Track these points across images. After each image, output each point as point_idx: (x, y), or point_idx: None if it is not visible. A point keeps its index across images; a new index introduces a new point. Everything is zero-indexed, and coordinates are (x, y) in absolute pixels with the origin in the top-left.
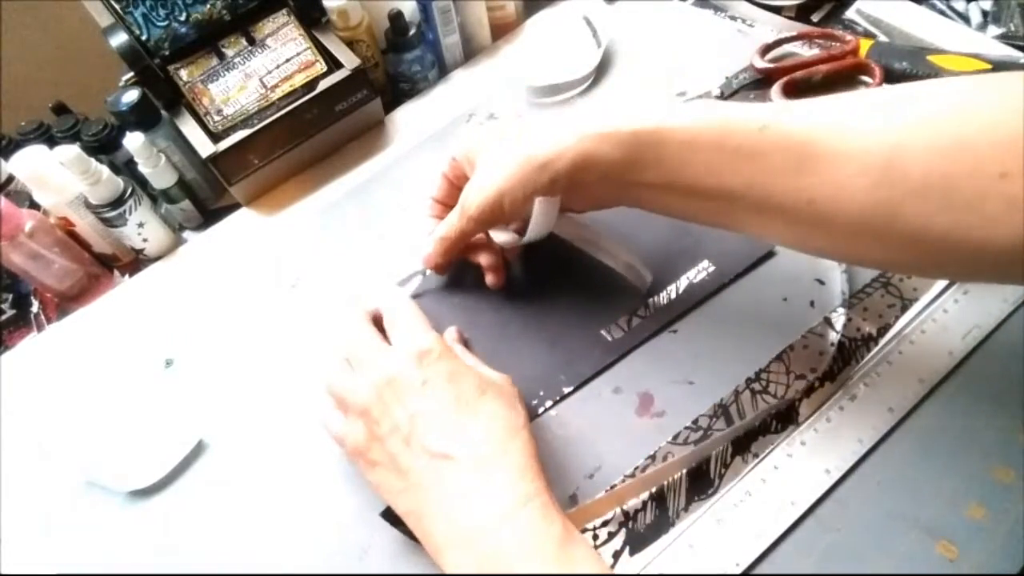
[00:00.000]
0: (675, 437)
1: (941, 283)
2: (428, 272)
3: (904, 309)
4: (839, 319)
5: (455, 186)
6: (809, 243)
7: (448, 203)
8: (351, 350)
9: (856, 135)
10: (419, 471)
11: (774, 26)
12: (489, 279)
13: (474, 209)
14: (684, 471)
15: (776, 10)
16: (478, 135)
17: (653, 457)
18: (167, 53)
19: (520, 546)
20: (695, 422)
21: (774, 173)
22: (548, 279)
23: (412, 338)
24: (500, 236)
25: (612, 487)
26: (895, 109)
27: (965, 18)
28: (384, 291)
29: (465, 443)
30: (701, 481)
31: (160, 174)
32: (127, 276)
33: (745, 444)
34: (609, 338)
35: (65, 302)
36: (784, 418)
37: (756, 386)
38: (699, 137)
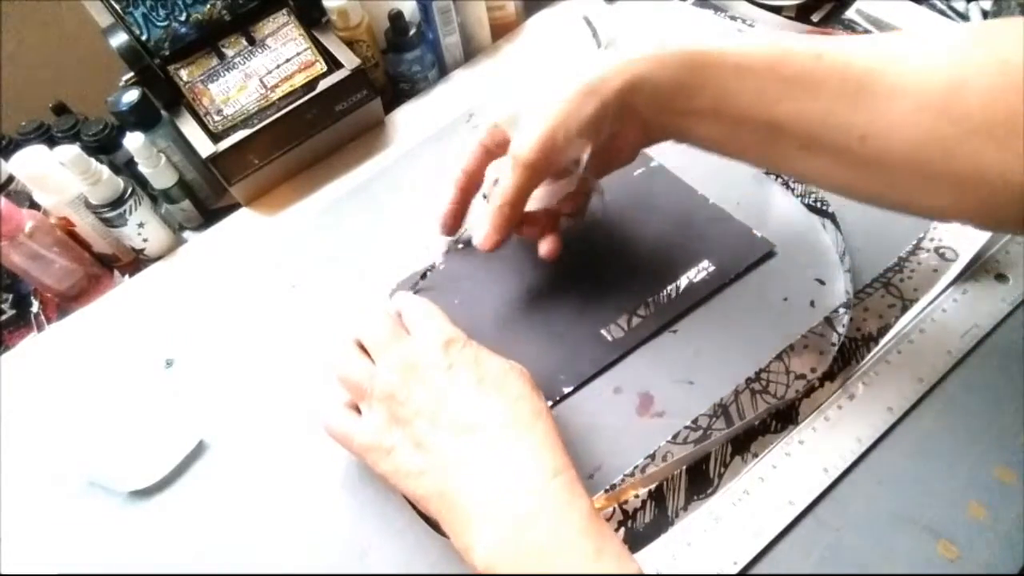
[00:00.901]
0: (675, 437)
1: (941, 283)
2: (429, 274)
3: (905, 309)
4: (842, 319)
5: (491, 155)
6: (853, 182)
7: (478, 174)
8: (372, 339)
9: (917, 70)
10: (444, 448)
11: (774, 26)
12: (545, 248)
13: (527, 151)
14: (684, 470)
15: (776, 10)
16: (520, 102)
17: (653, 456)
18: (167, 53)
19: (549, 518)
20: (695, 422)
21: (828, 104)
22: (548, 279)
23: (437, 329)
24: (544, 195)
25: (612, 487)
26: (960, 46)
27: (965, 18)
28: (402, 295)
29: (491, 419)
30: (700, 480)
31: (160, 174)
32: (127, 276)
33: (745, 444)
34: (609, 338)
35: (65, 302)
36: (784, 418)
37: (756, 386)
38: (753, 62)
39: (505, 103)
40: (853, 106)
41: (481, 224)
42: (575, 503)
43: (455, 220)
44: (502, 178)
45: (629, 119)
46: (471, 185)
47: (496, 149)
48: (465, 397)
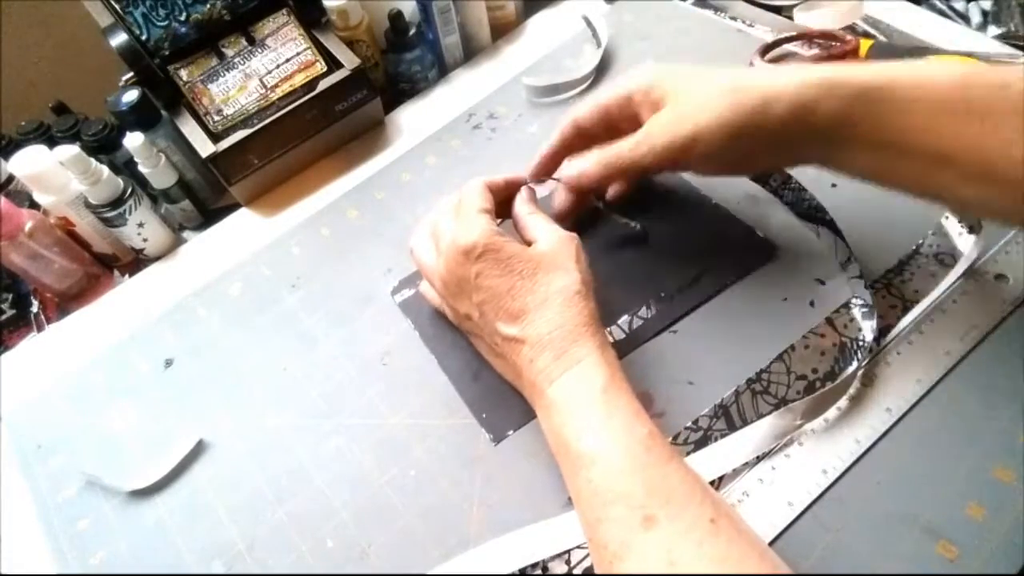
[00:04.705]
0: (675, 437)
1: (942, 285)
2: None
3: (906, 310)
4: (868, 323)
5: (610, 122)
6: (1020, 211)
7: (589, 133)
8: (422, 262)
9: None
10: (498, 346)
11: (774, 26)
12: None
13: (664, 138)
14: None
15: (776, 10)
16: (663, 75)
17: None
18: (167, 53)
19: (569, 399)
20: (695, 422)
21: (1009, 135)
22: None
23: (454, 239)
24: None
25: None
26: None
27: (965, 18)
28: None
29: (528, 326)
30: None
31: (160, 174)
32: (127, 276)
33: None
34: (610, 338)
35: (65, 302)
36: None
37: (757, 386)
38: (929, 93)
39: (646, 69)
40: None
41: (579, 164)
42: (592, 381)
43: (545, 171)
44: (621, 143)
45: (779, 142)
46: (576, 142)
47: (620, 119)
48: (500, 306)
